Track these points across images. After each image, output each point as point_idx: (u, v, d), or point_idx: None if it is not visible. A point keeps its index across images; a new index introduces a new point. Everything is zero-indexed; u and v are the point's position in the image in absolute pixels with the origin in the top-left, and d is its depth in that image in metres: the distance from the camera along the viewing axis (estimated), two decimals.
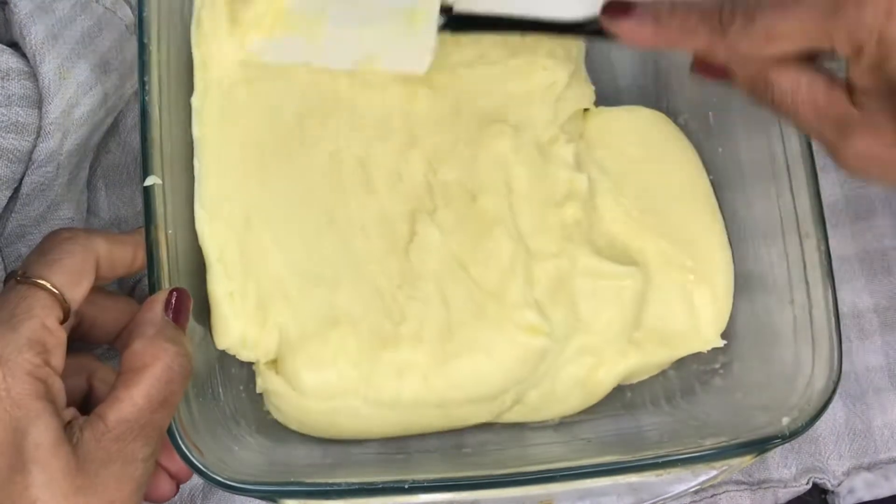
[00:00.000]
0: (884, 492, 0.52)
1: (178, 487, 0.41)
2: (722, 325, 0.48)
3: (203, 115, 0.44)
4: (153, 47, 0.41)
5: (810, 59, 0.36)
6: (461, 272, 0.45)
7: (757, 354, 0.46)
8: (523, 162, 0.47)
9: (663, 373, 0.49)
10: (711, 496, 0.51)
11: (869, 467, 0.52)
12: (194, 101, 0.44)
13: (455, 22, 0.41)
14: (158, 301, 0.38)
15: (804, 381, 0.42)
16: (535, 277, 0.46)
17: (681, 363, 0.49)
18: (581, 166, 0.49)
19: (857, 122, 0.35)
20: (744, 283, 0.48)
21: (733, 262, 0.49)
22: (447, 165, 0.47)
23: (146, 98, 0.41)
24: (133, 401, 0.35)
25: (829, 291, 0.42)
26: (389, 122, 0.47)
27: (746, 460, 0.40)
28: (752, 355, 0.47)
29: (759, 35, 0.34)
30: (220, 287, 0.43)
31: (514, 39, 0.51)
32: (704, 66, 0.40)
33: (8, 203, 0.46)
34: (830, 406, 0.40)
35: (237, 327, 0.43)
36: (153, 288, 0.39)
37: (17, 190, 0.46)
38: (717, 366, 0.48)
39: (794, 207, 0.44)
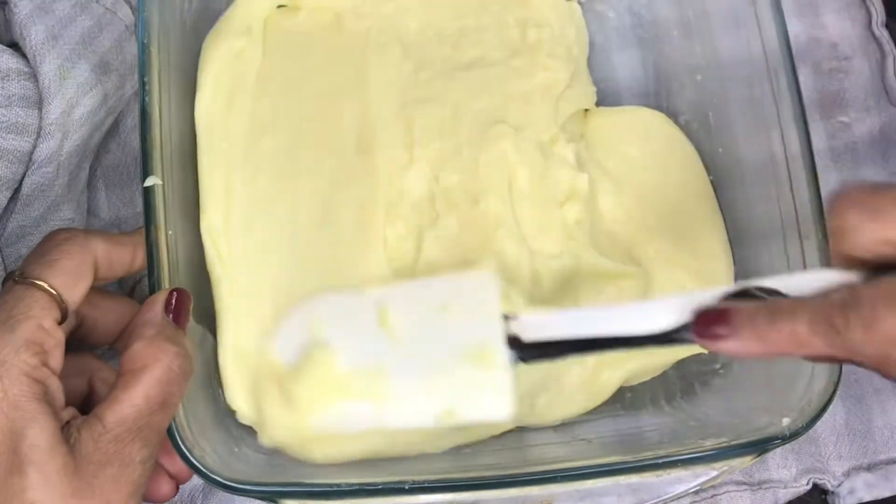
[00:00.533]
0: (884, 492, 0.52)
1: (177, 488, 0.41)
2: None
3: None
4: (153, 47, 0.41)
5: None
6: None
7: None
8: (524, 162, 0.47)
9: (663, 373, 0.49)
10: (712, 496, 0.51)
11: (869, 468, 0.52)
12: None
13: (527, 353, 0.37)
14: (158, 301, 0.38)
15: (804, 381, 0.42)
16: (539, 278, 0.46)
17: (681, 364, 0.49)
18: (582, 166, 0.49)
19: None
20: None
21: (733, 262, 0.49)
22: (448, 170, 0.47)
23: (146, 98, 0.41)
24: (132, 402, 0.35)
25: None
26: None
27: (746, 461, 0.40)
28: None
29: (882, 339, 0.30)
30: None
31: (513, 39, 0.51)
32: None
33: (8, 204, 0.46)
34: (830, 407, 0.40)
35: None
36: (153, 288, 0.39)
37: (17, 191, 0.46)
38: (717, 366, 0.48)
39: (795, 208, 0.43)
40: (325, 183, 0.47)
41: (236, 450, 0.42)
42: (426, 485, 0.39)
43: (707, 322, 0.33)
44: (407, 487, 0.38)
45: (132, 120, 0.52)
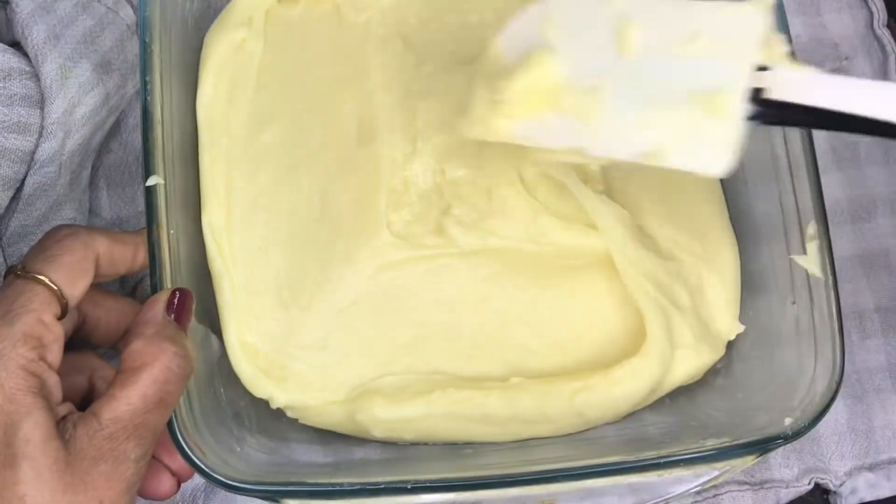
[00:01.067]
0: (885, 492, 0.52)
1: (178, 485, 0.41)
2: (735, 312, 0.48)
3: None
4: (155, 47, 0.41)
5: None
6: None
7: (759, 355, 0.46)
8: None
9: None
10: (713, 496, 0.51)
11: (871, 467, 0.52)
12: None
13: (768, 112, 0.32)
14: (160, 300, 0.38)
15: (806, 381, 0.42)
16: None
17: None
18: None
19: None
20: (746, 283, 0.48)
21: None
22: (454, 162, 0.47)
23: (148, 98, 0.41)
24: (128, 400, 0.35)
25: (831, 292, 0.42)
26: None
27: (748, 460, 0.40)
28: (753, 355, 0.47)
29: None
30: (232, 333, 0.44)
31: None
32: None
33: (10, 203, 0.46)
34: (832, 406, 0.40)
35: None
36: (155, 288, 0.39)
37: (19, 190, 0.46)
38: (719, 366, 0.48)
39: (797, 207, 0.44)
40: (326, 175, 0.47)
41: (238, 449, 0.42)
42: (428, 484, 0.39)
43: None
44: (409, 487, 0.38)
45: (134, 119, 0.52)
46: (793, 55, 0.32)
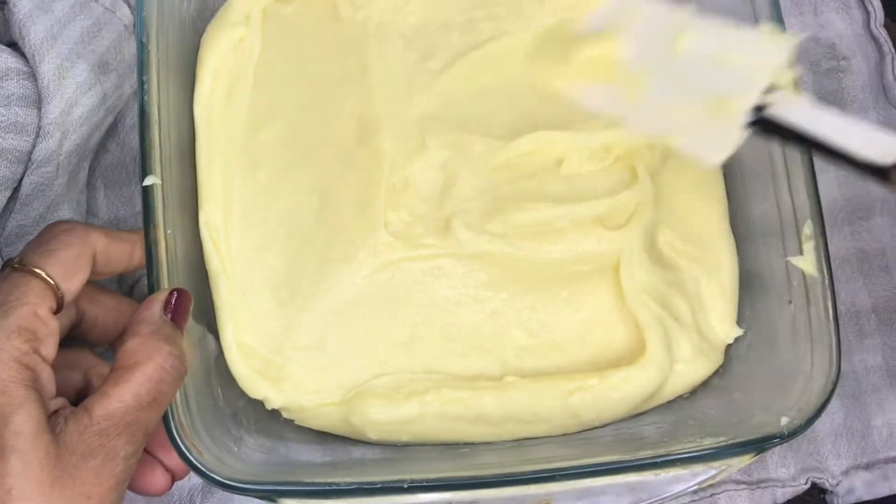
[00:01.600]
0: (882, 491, 0.52)
1: (173, 482, 0.41)
2: (733, 316, 0.48)
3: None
4: (152, 47, 0.42)
5: None
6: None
7: (756, 355, 0.46)
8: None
9: None
10: (710, 496, 0.51)
11: (867, 467, 0.52)
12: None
13: (763, 124, 0.38)
14: (158, 300, 0.38)
15: (803, 380, 0.42)
16: None
17: None
18: None
19: None
20: (743, 283, 0.48)
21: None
22: (456, 162, 0.47)
23: (145, 98, 0.41)
24: (121, 397, 0.35)
25: (828, 292, 0.42)
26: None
27: (745, 460, 0.40)
28: (750, 355, 0.47)
29: None
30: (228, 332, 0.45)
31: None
32: None
33: (7, 203, 0.46)
34: (829, 406, 0.40)
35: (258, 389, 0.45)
36: (152, 288, 0.39)
37: (16, 190, 0.46)
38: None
39: (793, 207, 0.44)
40: (325, 173, 0.47)
41: (235, 449, 0.42)
42: (425, 484, 0.39)
43: None
44: (406, 486, 0.38)
45: (131, 119, 0.52)
46: (796, 84, 0.38)
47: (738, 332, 0.47)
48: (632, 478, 0.40)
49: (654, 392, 0.46)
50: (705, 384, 0.48)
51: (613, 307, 0.47)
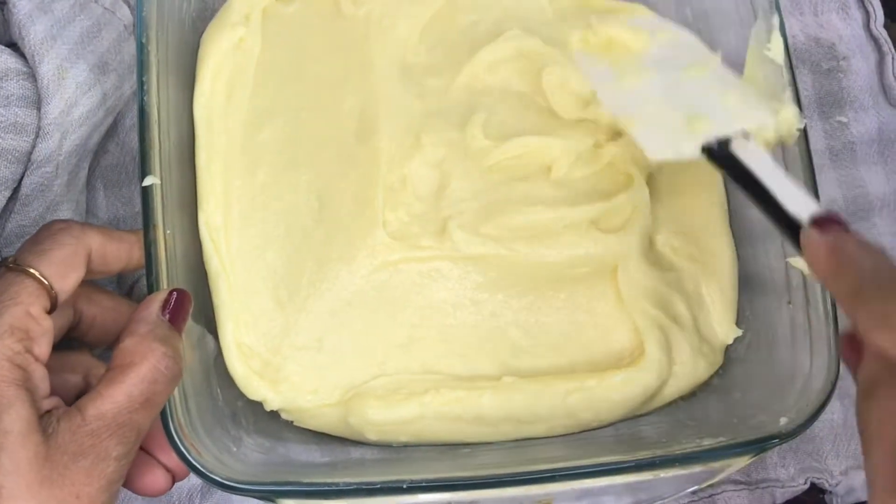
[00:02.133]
0: None
1: (173, 482, 0.41)
2: (732, 317, 0.48)
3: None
4: (152, 47, 0.42)
5: None
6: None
7: (755, 355, 0.46)
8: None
9: None
10: (709, 496, 0.51)
11: None
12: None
13: (715, 153, 0.40)
14: (156, 300, 0.38)
15: (802, 381, 0.42)
16: None
17: None
18: None
19: None
20: (742, 284, 0.48)
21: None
22: (456, 161, 0.47)
23: (145, 98, 0.41)
24: (113, 398, 0.35)
25: (827, 292, 0.42)
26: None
27: (744, 460, 0.40)
28: (750, 356, 0.47)
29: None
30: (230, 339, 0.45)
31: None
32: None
33: (7, 203, 0.46)
34: (828, 406, 0.40)
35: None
36: (151, 288, 0.39)
37: (16, 190, 0.46)
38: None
39: None
40: (324, 173, 0.47)
41: (234, 449, 0.42)
42: (424, 484, 0.39)
43: (824, 222, 0.34)
44: (405, 487, 0.38)
45: (131, 120, 0.52)
46: (769, 141, 0.41)
47: (738, 332, 0.47)
48: (631, 478, 0.40)
49: (653, 394, 0.46)
50: (705, 385, 0.48)
51: (612, 309, 0.47)
